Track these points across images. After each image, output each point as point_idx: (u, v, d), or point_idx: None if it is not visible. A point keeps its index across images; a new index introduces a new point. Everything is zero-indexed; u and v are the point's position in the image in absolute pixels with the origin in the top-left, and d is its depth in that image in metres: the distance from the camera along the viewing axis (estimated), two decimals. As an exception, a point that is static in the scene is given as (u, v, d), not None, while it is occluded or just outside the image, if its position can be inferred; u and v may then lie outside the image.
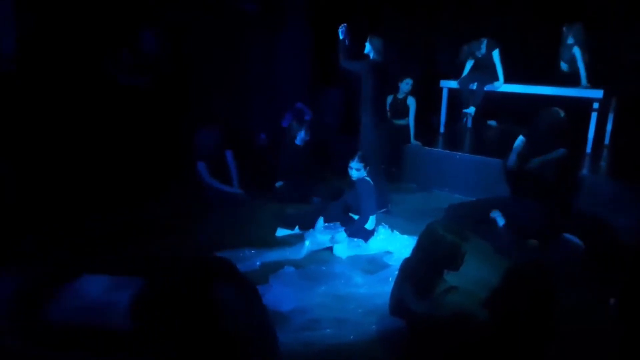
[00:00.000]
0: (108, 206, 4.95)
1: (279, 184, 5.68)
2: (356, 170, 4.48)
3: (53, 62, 5.10)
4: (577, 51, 6.13)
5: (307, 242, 4.18)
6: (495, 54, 6.48)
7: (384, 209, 5.07)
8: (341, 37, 5.04)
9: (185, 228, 4.63)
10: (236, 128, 6.35)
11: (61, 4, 5.18)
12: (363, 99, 5.05)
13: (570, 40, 6.19)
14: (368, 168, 4.51)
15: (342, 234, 4.26)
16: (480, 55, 6.65)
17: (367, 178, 4.49)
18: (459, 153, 6.08)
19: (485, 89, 6.58)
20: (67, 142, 5.12)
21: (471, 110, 6.64)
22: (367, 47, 5.01)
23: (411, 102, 6.61)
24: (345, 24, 5.04)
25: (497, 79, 6.53)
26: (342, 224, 4.45)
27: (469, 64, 6.81)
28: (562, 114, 4.84)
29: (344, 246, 4.19)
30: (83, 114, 5.26)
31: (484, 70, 6.62)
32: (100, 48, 5.49)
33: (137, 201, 5.17)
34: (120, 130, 5.43)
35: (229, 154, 5.66)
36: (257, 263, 3.85)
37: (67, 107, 5.16)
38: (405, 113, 6.62)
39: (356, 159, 4.48)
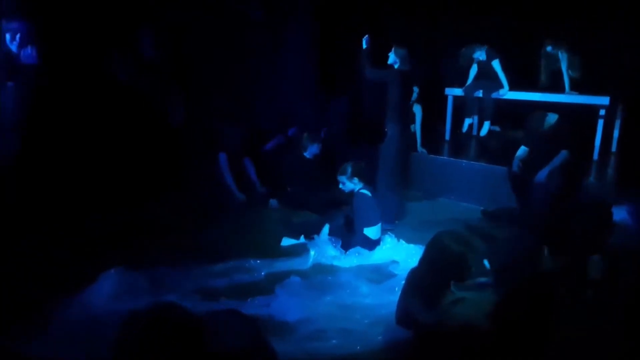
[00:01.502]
0: (112, 206, 5.03)
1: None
2: (341, 184, 4.45)
3: (54, 62, 5.13)
4: (562, 58, 6.18)
5: (312, 252, 4.19)
6: (496, 64, 6.49)
7: (391, 226, 4.90)
8: (364, 46, 5.00)
9: (190, 234, 4.68)
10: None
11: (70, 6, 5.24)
12: (390, 109, 4.97)
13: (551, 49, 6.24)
14: (356, 179, 4.40)
15: (337, 253, 4.28)
16: (478, 61, 6.66)
17: (363, 191, 4.41)
18: (465, 161, 6.07)
19: (491, 96, 6.59)
20: (68, 142, 5.15)
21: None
22: (392, 58, 4.93)
23: (417, 109, 6.61)
24: (368, 34, 5.00)
25: (502, 86, 6.53)
26: (342, 238, 4.43)
27: (472, 71, 6.81)
28: (550, 116, 4.87)
29: (342, 259, 4.21)
30: (84, 115, 5.29)
31: (488, 77, 6.62)
32: (106, 49, 5.55)
33: (142, 204, 5.25)
34: (122, 131, 5.47)
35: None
36: (262, 273, 3.85)
37: (68, 108, 5.19)
38: (411, 120, 6.62)
39: (339, 172, 4.44)
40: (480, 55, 6.59)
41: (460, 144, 6.95)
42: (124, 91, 5.61)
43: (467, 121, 6.99)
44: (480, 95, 6.72)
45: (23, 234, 4.28)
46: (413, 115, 6.61)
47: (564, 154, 4.84)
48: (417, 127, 6.55)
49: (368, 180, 4.53)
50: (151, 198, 5.41)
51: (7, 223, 4.28)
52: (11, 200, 4.54)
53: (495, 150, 6.52)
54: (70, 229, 4.58)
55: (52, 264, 3.84)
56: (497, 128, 7.56)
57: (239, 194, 5.63)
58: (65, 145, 5.10)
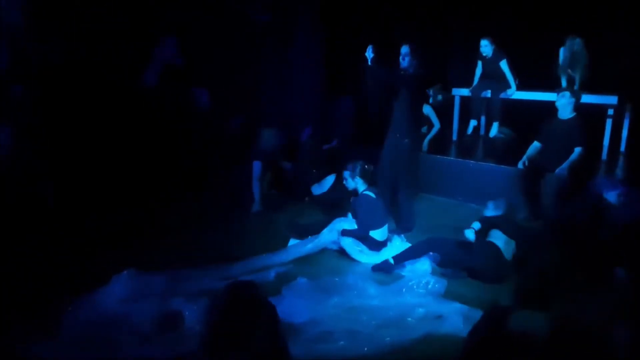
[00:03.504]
0: (121, 208, 5.09)
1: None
2: (344, 179, 4.47)
3: (61, 62, 5.18)
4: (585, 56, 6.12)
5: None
6: (504, 64, 6.45)
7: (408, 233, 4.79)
8: (371, 54, 4.71)
9: (198, 236, 4.69)
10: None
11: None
12: (401, 112, 4.76)
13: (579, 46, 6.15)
14: (361, 180, 4.40)
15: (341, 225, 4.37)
16: (483, 60, 6.61)
17: (367, 192, 4.39)
18: (472, 161, 6.04)
19: (499, 97, 6.54)
20: (71, 143, 5.20)
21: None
22: (407, 61, 4.71)
23: (428, 110, 6.60)
24: (371, 45, 4.73)
25: (509, 86, 6.49)
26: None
27: (478, 71, 6.77)
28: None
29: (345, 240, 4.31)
30: (88, 116, 5.34)
31: (493, 77, 6.57)
32: (117, 55, 5.60)
33: (152, 206, 5.30)
34: (138, 134, 5.54)
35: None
36: (271, 275, 3.86)
37: (73, 109, 5.24)
38: (423, 122, 6.63)
39: (348, 167, 4.47)
40: (486, 47, 6.51)
41: (468, 144, 6.90)
42: (131, 94, 5.67)
43: (472, 123, 6.94)
44: (488, 95, 6.67)
45: (33, 235, 4.31)
46: (425, 116, 6.62)
47: (578, 151, 4.83)
48: (436, 126, 6.56)
49: (372, 183, 4.51)
50: (160, 201, 5.45)
51: (7, 223, 4.33)
52: (11, 200, 4.58)
53: (502, 151, 6.49)
54: (82, 230, 4.61)
55: (63, 266, 3.87)
56: (501, 135, 7.54)
57: (259, 204, 5.56)
58: (68, 146, 5.16)
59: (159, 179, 5.54)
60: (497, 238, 3.95)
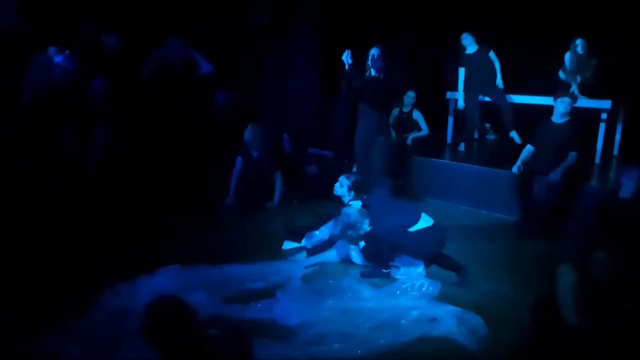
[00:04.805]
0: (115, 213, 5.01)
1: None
2: (340, 184, 4.35)
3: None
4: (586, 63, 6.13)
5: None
6: (493, 55, 6.38)
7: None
8: (349, 60, 4.78)
9: (193, 238, 4.69)
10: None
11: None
12: (371, 113, 4.88)
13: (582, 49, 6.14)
14: (353, 193, 4.29)
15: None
16: (466, 57, 6.47)
17: (353, 202, 4.29)
18: (466, 164, 6.07)
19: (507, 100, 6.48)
20: (72, 142, 5.17)
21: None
22: (380, 62, 4.83)
23: (417, 115, 6.61)
24: (349, 50, 4.80)
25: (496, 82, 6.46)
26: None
27: (461, 75, 6.58)
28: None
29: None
30: (90, 116, 5.32)
31: (481, 76, 6.45)
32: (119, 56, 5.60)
33: (149, 208, 5.26)
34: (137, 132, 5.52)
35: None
36: (264, 277, 3.84)
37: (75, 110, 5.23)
38: (412, 126, 6.63)
39: (347, 174, 4.41)
40: (466, 39, 6.37)
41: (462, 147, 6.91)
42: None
43: (461, 146, 6.81)
44: (483, 99, 6.64)
45: (33, 235, 4.30)
46: (414, 121, 6.63)
47: (573, 155, 4.85)
48: (424, 130, 6.56)
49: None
50: (159, 199, 5.44)
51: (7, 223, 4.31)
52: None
53: (497, 154, 6.51)
54: (80, 229, 4.59)
55: (67, 264, 3.90)
56: (493, 137, 7.58)
57: (232, 198, 5.57)
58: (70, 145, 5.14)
59: (160, 178, 5.54)
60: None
